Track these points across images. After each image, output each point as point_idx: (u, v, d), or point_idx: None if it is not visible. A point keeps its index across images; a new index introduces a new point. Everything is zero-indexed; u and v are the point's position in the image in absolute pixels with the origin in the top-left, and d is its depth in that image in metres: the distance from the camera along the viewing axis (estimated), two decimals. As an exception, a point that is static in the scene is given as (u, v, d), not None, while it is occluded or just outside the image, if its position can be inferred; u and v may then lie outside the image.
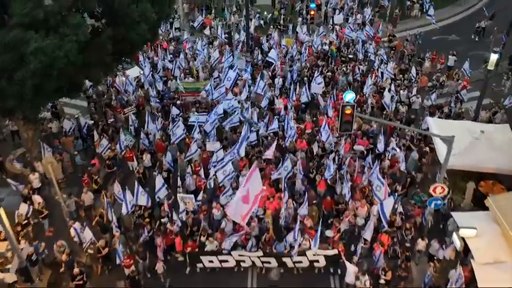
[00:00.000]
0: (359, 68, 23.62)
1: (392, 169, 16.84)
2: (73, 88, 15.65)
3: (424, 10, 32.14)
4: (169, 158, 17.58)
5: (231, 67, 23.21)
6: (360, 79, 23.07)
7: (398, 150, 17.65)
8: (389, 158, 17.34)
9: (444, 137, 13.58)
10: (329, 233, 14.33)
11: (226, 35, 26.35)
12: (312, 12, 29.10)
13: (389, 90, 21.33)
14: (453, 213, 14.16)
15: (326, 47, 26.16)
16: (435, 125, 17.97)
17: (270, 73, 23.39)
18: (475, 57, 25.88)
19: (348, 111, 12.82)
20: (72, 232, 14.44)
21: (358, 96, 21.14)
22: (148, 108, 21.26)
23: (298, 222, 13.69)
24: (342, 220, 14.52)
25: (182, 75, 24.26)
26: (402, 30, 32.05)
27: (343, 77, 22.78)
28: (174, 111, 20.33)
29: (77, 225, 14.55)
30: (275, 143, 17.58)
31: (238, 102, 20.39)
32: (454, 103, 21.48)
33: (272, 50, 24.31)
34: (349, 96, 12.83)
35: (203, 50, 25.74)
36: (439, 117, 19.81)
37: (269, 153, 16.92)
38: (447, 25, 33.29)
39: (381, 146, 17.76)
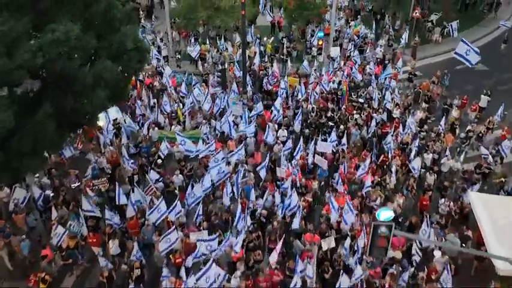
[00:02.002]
0: (375, 118, 19.76)
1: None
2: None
3: (450, 33, 28.40)
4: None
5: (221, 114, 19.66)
6: (376, 132, 19.15)
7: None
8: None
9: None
10: None
11: (219, 73, 22.51)
12: (320, 42, 25.24)
13: (418, 153, 17.51)
14: None
15: (335, 85, 22.39)
16: (480, 203, 14.15)
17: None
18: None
19: (383, 234, 9.09)
20: None
21: (382, 157, 17.45)
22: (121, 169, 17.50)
23: None
24: None
25: (167, 120, 20.61)
26: (421, 57, 28.27)
27: (357, 130, 18.95)
28: (153, 175, 16.60)
29: None
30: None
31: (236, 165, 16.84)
32: (493, 160, 17.63)
33: (278, 99, 20.29)
34: (385, 214, 9.15)
35: (194, 88, 21.99)
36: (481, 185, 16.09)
37: (273, 259, 13.15)
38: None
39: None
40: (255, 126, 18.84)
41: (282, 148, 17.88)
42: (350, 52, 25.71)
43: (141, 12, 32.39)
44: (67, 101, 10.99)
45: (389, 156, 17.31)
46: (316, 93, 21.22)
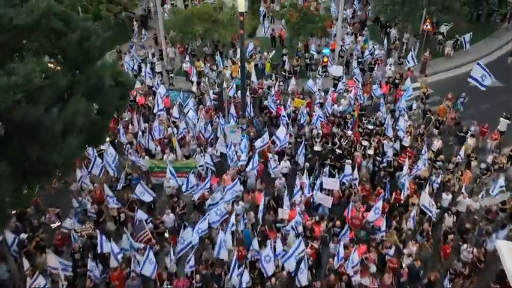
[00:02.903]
0: (388, 146, 17.91)
1: None
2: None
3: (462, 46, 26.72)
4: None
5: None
6: (391, 164, 17.27)
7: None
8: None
9: None
10: None
11: (216, 96, 20.79)
12: (325, 59, 23.45)
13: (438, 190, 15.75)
14: None
15: (339, 108, 20.64)
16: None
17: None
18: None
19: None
20: None
21: (394, 194, 15.67)
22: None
23: None
24: None
25: (158, 148, 18.91)
26: (431, 73, 26.50)
27: (367, 161, 17.21)
28: (140, 215, 14.86)
29: None
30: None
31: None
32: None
33: (281, 127, 18.34)
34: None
35: (187, 111, 20.27)
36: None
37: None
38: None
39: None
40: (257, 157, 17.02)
41: (284, 183, 16.18)
42: (355, 70, 23.89)
43: (135, 23, 30.65)
44: (32, 150, 9.27)
45: (404, 193, 15.49)
46: (321, 117, 19.43)
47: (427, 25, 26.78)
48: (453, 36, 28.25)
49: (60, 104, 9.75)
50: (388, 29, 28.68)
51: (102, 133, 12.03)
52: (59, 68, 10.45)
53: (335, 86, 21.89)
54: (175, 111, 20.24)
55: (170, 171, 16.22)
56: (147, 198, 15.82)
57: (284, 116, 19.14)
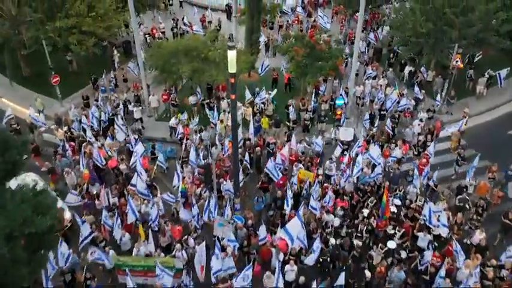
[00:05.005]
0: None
1: None
2: None
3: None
4: None
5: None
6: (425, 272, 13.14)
7: None
8: None
9: None
10: None
11: (202, 170, 16.60)
12: (339, 112, 19.18)
13: None
14: None
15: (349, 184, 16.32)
16: None
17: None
18: None
19: None
20: None
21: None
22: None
23: None
24: None
25: (127, 236, 14.78)
26: (458, 118, 22.18)
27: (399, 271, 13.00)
28: None
29: None
30: None
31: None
32: None
33: (295, 221, 13.58)
34: None
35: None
36: None
37: None
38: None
39: None
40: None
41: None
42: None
43: (115, 53, 26.43)
44: None
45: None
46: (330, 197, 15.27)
47: (456, 61, 22.56)
48: (484, 69, 24.08)
49: None
50: (407, 66, 24.38)
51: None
52: None
53: (343, 152, 17.72)
54: (142, 187, 15.93)
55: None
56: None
57: (288, 199, 14.88)
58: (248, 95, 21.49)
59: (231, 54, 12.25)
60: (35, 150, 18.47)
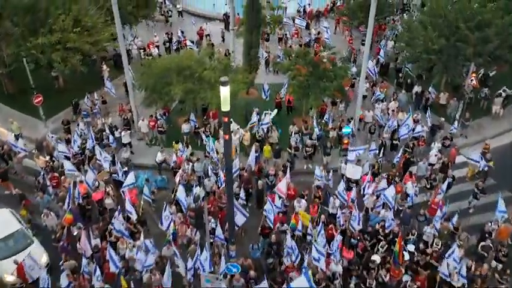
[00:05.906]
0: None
1: None
2: None
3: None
4: None
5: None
6: None
7: None
8: None
9: None
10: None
11: (192, 214, 14.86)
12: (346, 141, 17.46)
13: None
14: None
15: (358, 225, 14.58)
16: None
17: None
18: None
19: None
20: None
21: None
22: None
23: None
24: None
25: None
26: (472, 142, 20.55)
27: None
28: None
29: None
30: None
31: None
32: None
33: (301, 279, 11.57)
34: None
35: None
36: None
37: None
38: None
39: None
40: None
41: None
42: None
43: (104, 67, 24.67)
44: None
45: None
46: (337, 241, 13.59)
47: (472, 80, 20.90)
48: (499, 86, 22.40)
49: None
50: (416, 86, 22.59)
51: None
52: None
53: (349, 189, 15.88)
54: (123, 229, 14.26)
55: None
56: None
57: (291, 248, 13.17)
58: (254, 117, 19.75)
59: (224, 91, 10.59)
60: (2, 176, 16.98)
